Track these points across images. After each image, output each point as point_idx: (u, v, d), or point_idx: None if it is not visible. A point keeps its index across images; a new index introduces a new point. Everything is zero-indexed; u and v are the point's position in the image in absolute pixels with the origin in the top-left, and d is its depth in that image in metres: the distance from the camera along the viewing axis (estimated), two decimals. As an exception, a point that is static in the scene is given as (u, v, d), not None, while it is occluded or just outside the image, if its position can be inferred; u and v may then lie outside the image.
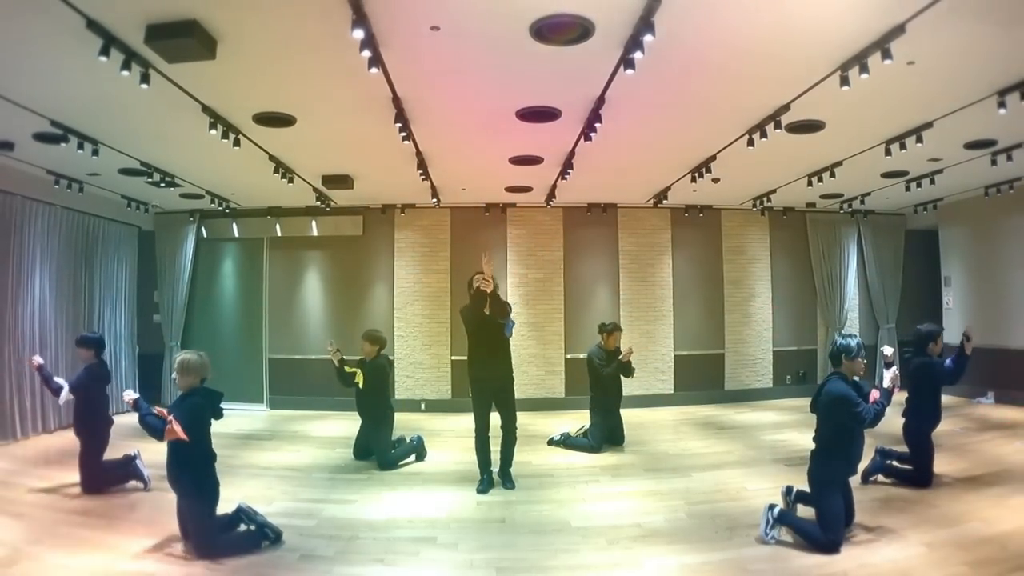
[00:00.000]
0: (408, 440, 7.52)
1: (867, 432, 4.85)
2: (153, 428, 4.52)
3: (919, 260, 12.52)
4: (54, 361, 8.97)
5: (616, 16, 4.52)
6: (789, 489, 5.18)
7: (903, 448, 6.27)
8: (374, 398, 7.31)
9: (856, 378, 4.90)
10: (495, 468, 6.42)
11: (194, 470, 4.63)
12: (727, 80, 5.76)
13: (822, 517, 4.70)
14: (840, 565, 4.32)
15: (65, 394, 6.16)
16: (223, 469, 6.86)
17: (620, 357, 8.08)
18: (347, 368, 7.31)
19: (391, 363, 7.88)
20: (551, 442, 8.13)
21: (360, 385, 7.27)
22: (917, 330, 6.46)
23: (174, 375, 4.82)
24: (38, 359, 6.30)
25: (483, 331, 6.28)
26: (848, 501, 4.92)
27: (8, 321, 8.29)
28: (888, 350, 5.54)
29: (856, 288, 12.41)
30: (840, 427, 4.76)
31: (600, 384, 8.13)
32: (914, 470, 6.09)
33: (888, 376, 5.01)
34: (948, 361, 6.20)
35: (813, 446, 5.00)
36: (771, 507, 4.87)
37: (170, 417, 4.43)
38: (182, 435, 4.38)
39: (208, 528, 4.63)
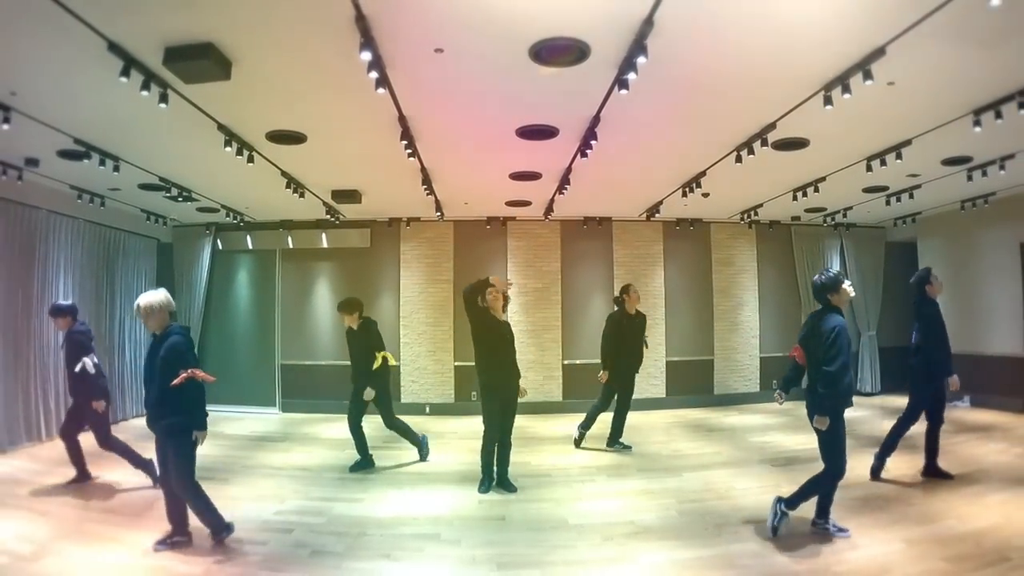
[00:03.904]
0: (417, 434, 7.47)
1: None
2: None
3: (899, 270, 12.50)
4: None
5: (611, 39, 4.54)
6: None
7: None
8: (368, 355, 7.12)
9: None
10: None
11: (179, 408, 4.59)
12: (716, 99, 5.78)
13: (831, 446, 4.68)
14: (822, 560, 4.32)
15: (89, 363, 6.31)
16: (237, 469, 6.93)
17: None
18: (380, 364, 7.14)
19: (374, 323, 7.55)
20: (579, 443, 8.05)
21: (390, 361, 7.21)
22: (914, 278, 6.70)
23: (143, 320, 4.85)
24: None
25: (498, 338, 6.22)
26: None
27: (33, 328, 8.29)
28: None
29: (839, 297, 12.37)
30: (844, 359, 4.61)
31: (625, 345, 7.92)
32: (904, 416, 6.26)
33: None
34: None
35: (807, 382, 4.88)
36: (779, 500, 4.82)
37: (187, 372, 4.57)
38: (208, 377, 4.72)
39: (189, 467, 4.63)
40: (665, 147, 7.28)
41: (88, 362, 6.29)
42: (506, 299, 6.45)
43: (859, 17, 4.24)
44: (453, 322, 11.09)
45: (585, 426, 8.03)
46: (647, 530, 5.05)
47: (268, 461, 7.52)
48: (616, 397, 8.02)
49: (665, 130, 6.69)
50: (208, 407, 4.78)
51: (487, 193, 9.60)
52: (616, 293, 8.34)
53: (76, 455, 6.39)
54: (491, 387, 6.21)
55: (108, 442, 6.31)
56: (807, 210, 10.97)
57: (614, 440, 8.02)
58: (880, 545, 4.55)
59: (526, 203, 10.25)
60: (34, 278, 8.37)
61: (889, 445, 6.34)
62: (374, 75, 4.77)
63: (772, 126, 6.41)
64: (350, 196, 9.31)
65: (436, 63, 4.91)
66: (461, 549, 4.72)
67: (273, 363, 11.36)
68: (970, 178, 8.30)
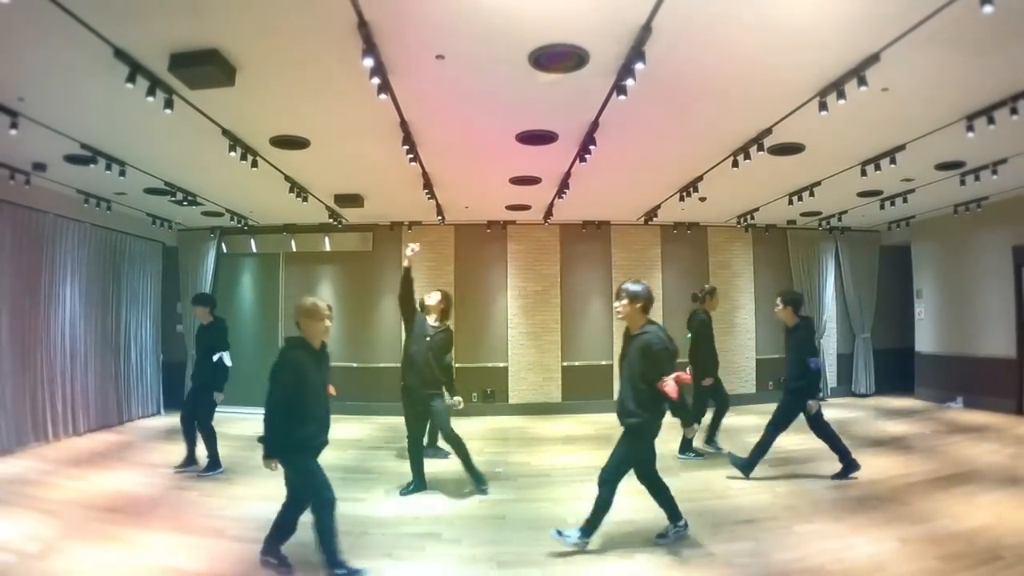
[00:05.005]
0: None
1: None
2: None
3: (893, 274, 12.52)
4: (83, 368, 8.99)
5: (610, 46, 4.55)
6: None
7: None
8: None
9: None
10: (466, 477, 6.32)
11: None
12: (713, 105, 5.79)
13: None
14: (817, 559, 4.30)
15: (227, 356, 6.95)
16: (242, 469, 6.91)
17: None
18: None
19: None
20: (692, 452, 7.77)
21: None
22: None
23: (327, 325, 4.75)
24: None
25: (418, 340, 6.24)
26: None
27: (40, 330, 8.29)
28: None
29: (834, 300, 12.41)
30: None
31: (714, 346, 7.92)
32: None
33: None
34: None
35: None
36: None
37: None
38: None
39: None
40: (663, 152, 7.27)
41: (227, 355, 6.86)
42: (447, 305, 6.68)
43: (854, 24, 4.25)
44: (453, 324, 11.06)
45: (710, 442, 7.91)
46: (646, 529, 5.04)
47: (271, 461, 7.48)
48: (714, 400, 7.89)
49: (663, 135, 6.70)
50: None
51: (487, 197, 9.60)
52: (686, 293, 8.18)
53: (192, 439, 6.90)
54: (402, 387, 6.30)
55: (208, 427, 6.86)
56: (803, 214, 10.97)
57: (711, 438, 7.96)
58: (875, 544, 4.54)
59: (526, 207, 10.25)
60: (41, 281, 8.35)
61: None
62: (376, 81, 4.78)
63: (768, 131, 6.42)
64: (352, 200, 9.32)
65: (437, 69, 4.92)
66: (462, 548, 4.72)
67: (277, 365, 11.34)
68: (963, 182, 8.30)
